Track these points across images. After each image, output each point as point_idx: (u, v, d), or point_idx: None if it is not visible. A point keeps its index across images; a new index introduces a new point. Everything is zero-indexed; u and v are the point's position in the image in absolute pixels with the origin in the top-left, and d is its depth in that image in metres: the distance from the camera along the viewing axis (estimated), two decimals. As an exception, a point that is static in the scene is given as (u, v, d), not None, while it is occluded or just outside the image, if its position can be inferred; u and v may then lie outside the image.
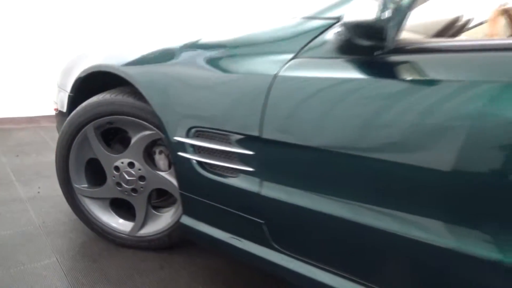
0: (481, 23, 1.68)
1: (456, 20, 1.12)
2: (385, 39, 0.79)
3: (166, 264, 1.44)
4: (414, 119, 0.77)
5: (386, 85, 0.83)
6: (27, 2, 3.37)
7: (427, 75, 0.80)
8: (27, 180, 2.16)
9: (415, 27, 1.15)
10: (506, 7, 1.26)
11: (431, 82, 0.78)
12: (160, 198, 1.59)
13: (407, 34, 1.11)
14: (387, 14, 0.74)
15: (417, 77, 0.81)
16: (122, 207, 1.55)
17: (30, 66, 3.48)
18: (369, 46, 0.83)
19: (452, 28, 1.12)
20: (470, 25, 1.25)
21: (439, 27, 1.10)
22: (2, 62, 3.39)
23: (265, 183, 1.04)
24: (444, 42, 0.89)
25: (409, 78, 0.81)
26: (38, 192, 2.00)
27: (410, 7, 0.84)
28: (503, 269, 0.71)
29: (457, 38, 1.00)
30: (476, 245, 0.73)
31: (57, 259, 1.43)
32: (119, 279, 1.34)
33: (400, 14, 0.82)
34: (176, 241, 1.48)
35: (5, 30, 3.33)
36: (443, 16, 1.16)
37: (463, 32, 1.18)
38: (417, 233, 0.80)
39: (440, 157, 0.75)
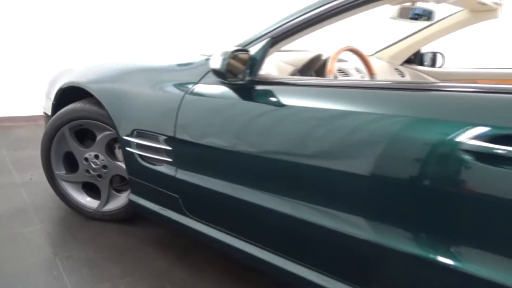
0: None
1: (318, 56, 1.57)
2: (226, 78, 1.25)
3: (122, 232, 1.91)
4: (260, 124, 1.23)
5: (243, 103, 1.29)
6: (26, 6, 3.82)
7: (271, 99, 1.25)
8: (22, 169, 2.64)
9: (290, 60, 1.61)
10: (351, 47, 1.71)
11: (272, 103, 1.24)
12: (121, 183, 2.05)
13: (283, 64, 1.57)
14: (229, 63, 1.21)
15: (264, 99, 1.26)
16: (91, 189, 2.02)
17: (29, 69, 3.95)
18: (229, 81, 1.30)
19: (318, 62, 1.57)
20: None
21: (304, 61, 1.56)
22: (3, 66, 3.86)
23: (179, 170, 1.50)
24: (285, 78, 1.36)
25: (259, 99, 1.28)
26: (31, 179, 2.48)
27: (262, 57, 1.30)
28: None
29: (293, 77, 1.45)
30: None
31: (40, 226, 1.91)
32: (85, 240, 1.81)
33: (255, 61, 1.29)
34: (130, 215, 1.94)
35: (4, 36, 3.80)
36: (309, 54, 1.61)
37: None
38: (257, 199, 1.26)
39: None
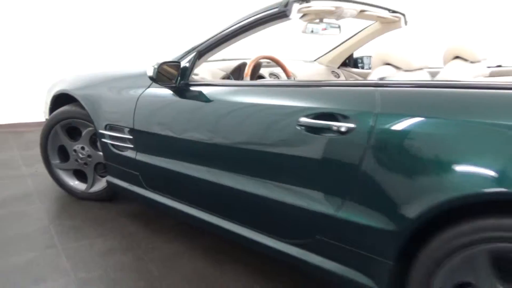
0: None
1: (244, 63, 2.03)
2: (158, 82, 1.72)
3: (104, 207, 2.40)
4: (190, 114, 1.70)
5: (177, 99, 1.76)
6: (41, 20, 4.38)
7: (198, 96, 1.71)
8: (29, 164, 3.17)
9: (224, 67, 2.08)
10: (268, 55, 2.16)
11: (198, 99, 1.70)
12: (104, 170, 2.53)
13: (218, 71, 2.04)
14: (159, 71, 1.68)
15: (193, 97, 1.73)
16: (81, 175, 2.51)
17: (41, 79, 4.49)
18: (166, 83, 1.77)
19: (245, 68, 2.03)
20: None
21: (232, 67, 2.02)
22: (18, 79, 4.43)
23: (138, 153, 1.98)
24: (211, 81, 1.82)
25: (189, 97, 1.75)
26: (36, 171, 3.01)
27: (192, 66, 1.77)
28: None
29: (217, 80, 1.92)
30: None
31: (40, 205, 2.41)
32: (74, 213, 2.30)
33: (186, 69, 1.76)
34: (111, 195, 2.43)
35: (19, 52, 4.38)
36: (237, 62, 2.08)
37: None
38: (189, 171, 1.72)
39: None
